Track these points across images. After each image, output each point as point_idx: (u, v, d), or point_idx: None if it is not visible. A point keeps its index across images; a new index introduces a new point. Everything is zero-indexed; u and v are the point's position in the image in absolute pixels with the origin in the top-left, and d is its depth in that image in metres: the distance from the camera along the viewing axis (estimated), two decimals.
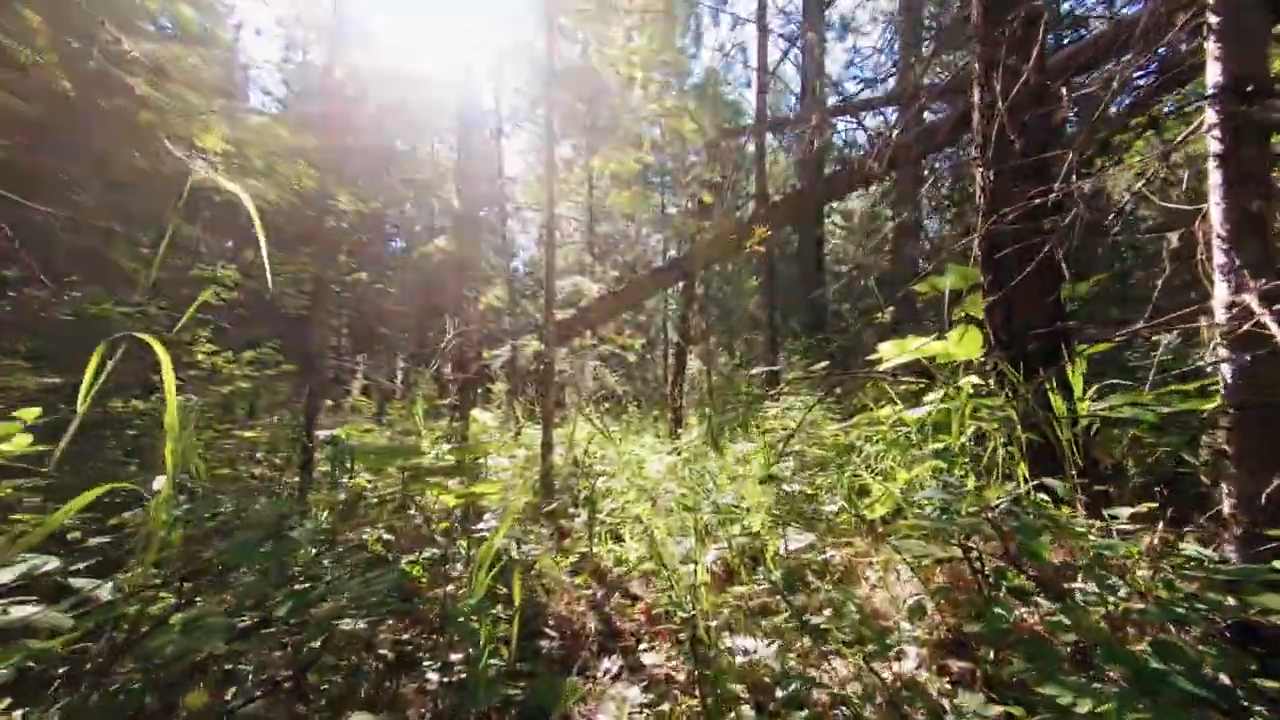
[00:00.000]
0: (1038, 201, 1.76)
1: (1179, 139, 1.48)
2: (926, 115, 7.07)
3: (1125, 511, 1.24)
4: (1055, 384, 1.74)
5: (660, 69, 5.51)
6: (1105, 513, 1.26)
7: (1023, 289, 1.87)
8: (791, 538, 2.11)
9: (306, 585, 1.09)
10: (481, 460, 4.63)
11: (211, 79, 3.30)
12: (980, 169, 2.07)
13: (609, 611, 2.76)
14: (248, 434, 3.05)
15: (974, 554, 1.34)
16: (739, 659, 1.56)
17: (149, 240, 5.54)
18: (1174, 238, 1.47)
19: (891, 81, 9.34)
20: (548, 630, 2.50)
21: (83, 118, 2.99)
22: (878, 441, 2.41)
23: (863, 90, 8.69)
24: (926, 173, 9.83)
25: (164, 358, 0.95)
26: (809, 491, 2.73)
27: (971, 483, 1.53)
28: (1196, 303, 1.91)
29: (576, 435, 5.68)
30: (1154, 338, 1.69)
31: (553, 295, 4.92)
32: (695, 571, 1.95)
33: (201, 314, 5.40)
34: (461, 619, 1.30)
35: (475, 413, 6.41)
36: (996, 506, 1.24)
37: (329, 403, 6.39)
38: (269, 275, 1.15)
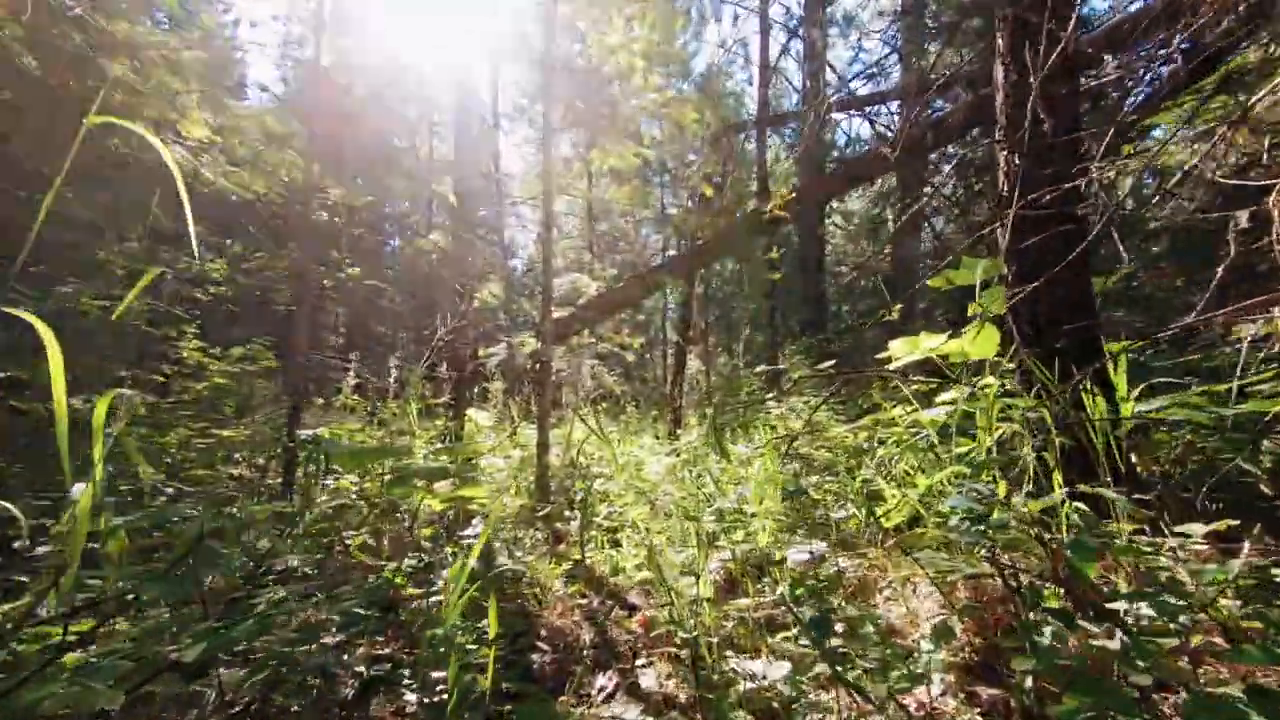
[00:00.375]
0: (1069, 185, 1.62)
1: (1253, 100, 1.33)
2: (932, 114, 6.93)
3: (1198, 529, 1.09)
4: (1089, 383, 1.60)
5: (661, 60, 5.38)
6: (1174, 529, 1.12)
7: (1052, 280, 1.73)
8: (800, 548, 1.96)
9: (223, 622, 0.94)
10: (471, 461, 4.49)
11: (193, 62, 3.16)
12: (1005, 151, 1.93)
13: (605, 623, 2.61)
14: (226, 433, 2.90)
15: (1009, 571, 1.20)
16: (746, 685, 1.42)
17: (136, 234, 5.39)
18: (1243, 216, 1.32)
19: (896, 76, 9.21)
20: (539, 644, 2.36)
21: (49, 98, 2.84)
22: (892, 444, 2.26)
23: (866, 85, 8.54)
24: (930, 170, 9.69)
25: (49, 339, 0.80)
26: (816, 497, 2.58)
27: (1003, 490, 1.39)
28: (1230, 301, 1.76)
29: (574, 435, 5.54)
30: (1233, 329, 1.54)
31: (550, 292, 4.78)
32: (697, 585, 1.80)
33: (188, 309, 5.26)
34: (432, 647, 1.15)
35: (471, 412, 6.26)
36: (1041, 519, 1.10)
37: (320, 401, 6.24)
38: (194, 242, 0.99)
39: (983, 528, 1.33)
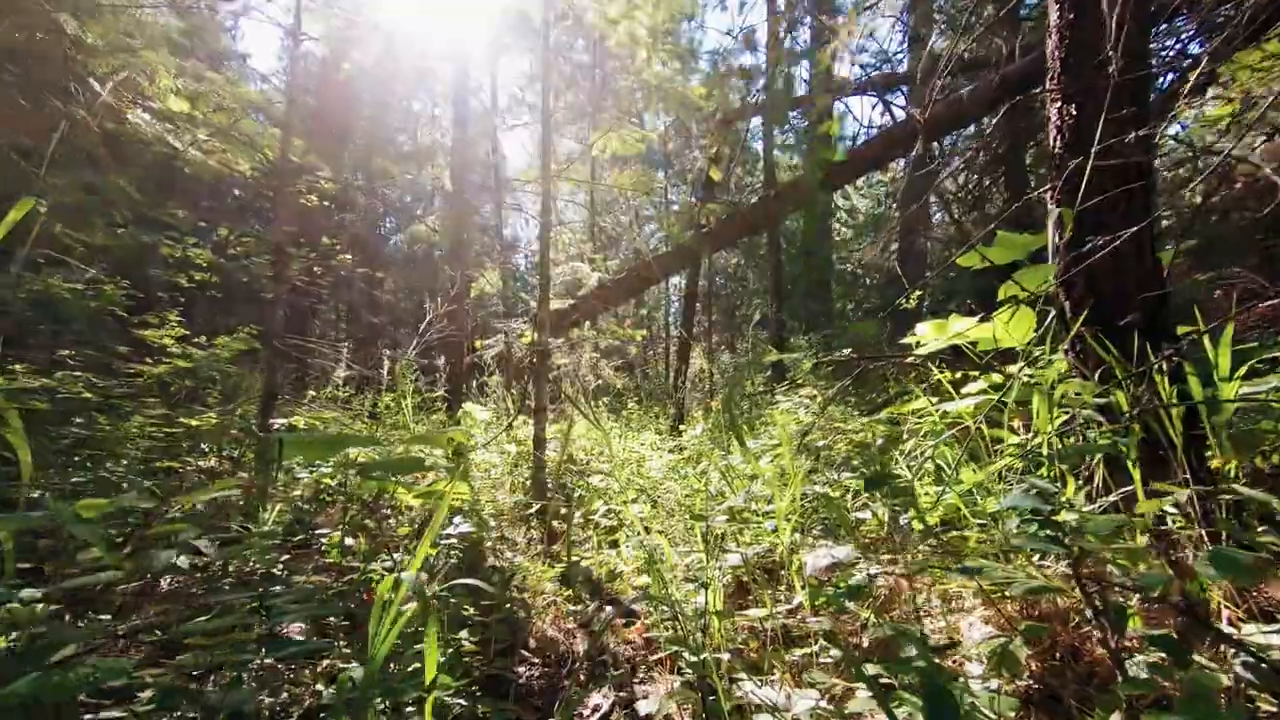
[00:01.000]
0: (1142, 132, 1.38)
1: None
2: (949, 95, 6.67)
3: None
4: (1164, 365, 1.36)
5: (665, 40, 5.14)
6: None
7: (1117, 248, 1.49)
8: (821, 551, 1.73)
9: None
10: (463, 455, 4.26)
11: (159, 25, 2.92)
12: (1057, 102, 1.68)
13: (601, 631, 2.39)
14: (194, 422, 2.68)
15: (1091, 587, 0.97)
16: (764, 719, 1.18)
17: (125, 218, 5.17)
18: None
19: (905, 65, 8.95)
20: (527, 655, 2.13)
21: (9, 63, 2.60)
22: (924, 435, 2.02)
23: (875, 72, 8.27)
24: (941, 161, 9.41)
25: None
26: (832, 494, 2.34)
27: (1072, 489, 1.16)
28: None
29: (574, 431, 5.32)
30: None
31: (548, 278, 4.55)
32: (705, 594, 1.57)
33: (171, 295, 5.04)
34: (356, 692, 0.89)
35: (467, 406, 6.03)
36: (1167, 527, 0.87)
37: (312, 393, 6.02)
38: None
39: (1053, 533, 1.10)
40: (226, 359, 2.93)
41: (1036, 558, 1.42)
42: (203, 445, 2.56)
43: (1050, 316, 2.00)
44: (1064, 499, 1.18)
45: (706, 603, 1.56)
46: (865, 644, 1.59)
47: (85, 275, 3.87)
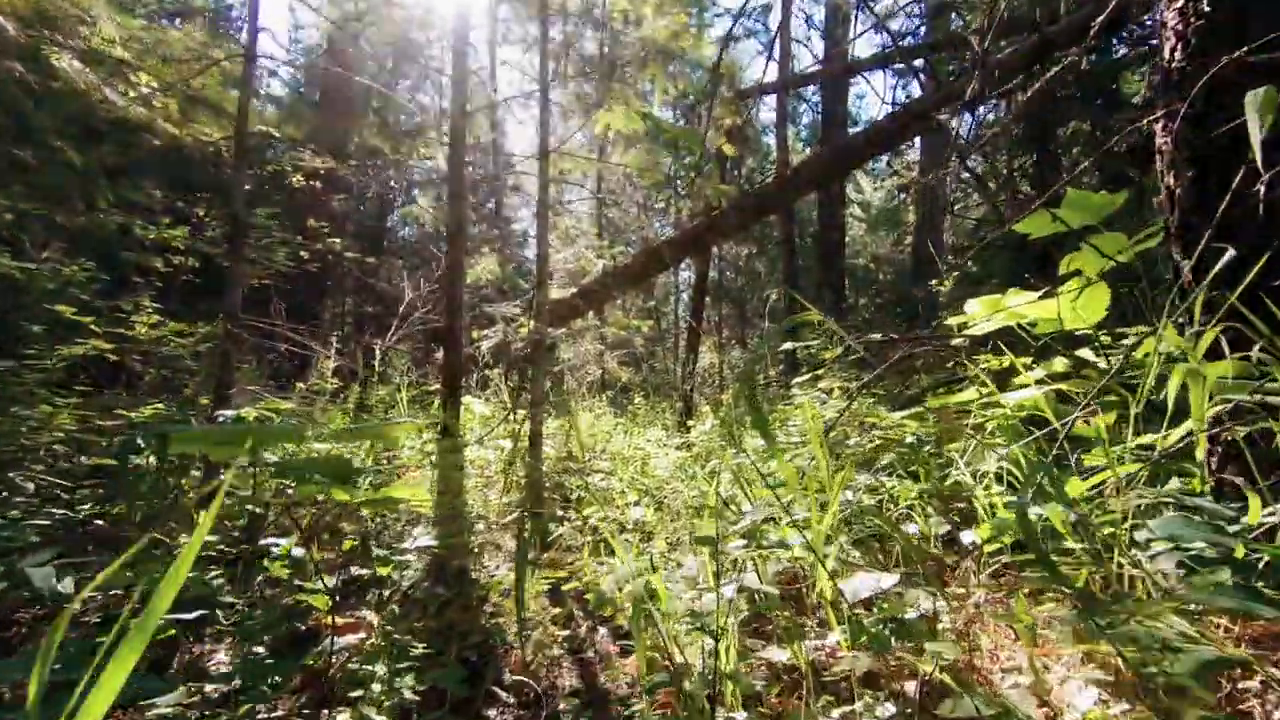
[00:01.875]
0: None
1: None
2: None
3: None
4: None
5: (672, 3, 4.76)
6: None
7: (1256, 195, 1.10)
8: (863, 578, 1.36)
9: None
10: (456, 453, 3.94)
11: None
12: (1178, 1, 1.29)
13: (590, 658, 2.04)
14: (130, 414, 2.35)
15: None
16: None
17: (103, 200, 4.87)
18: None
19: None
20: (500, 691, 1.78)
21: None
22: (991, 432, 1.64)
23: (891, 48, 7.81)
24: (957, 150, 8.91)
25: None
26: (866, 501, 1.97)
27: (1257, 511, 0.80)
28: None
29: (576, 426, 4.99)
30: None
31: (545, 257, 4.19)
32: (717, 648, 1.20)
33: (147, 279, 4.74)
34: None
35: (466, 399, 5.71)
36: None
37: (301, 386, 5.71)
38: None
39: (1244, 579, 0.72)
40: (170, 337, 2.60)
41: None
42: (139, 440, 2.24)
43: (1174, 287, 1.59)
44: (1242, 525, 0.80)
45: (717, 653, 1.20)
46: (920, 694, 1.22)
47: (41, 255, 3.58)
